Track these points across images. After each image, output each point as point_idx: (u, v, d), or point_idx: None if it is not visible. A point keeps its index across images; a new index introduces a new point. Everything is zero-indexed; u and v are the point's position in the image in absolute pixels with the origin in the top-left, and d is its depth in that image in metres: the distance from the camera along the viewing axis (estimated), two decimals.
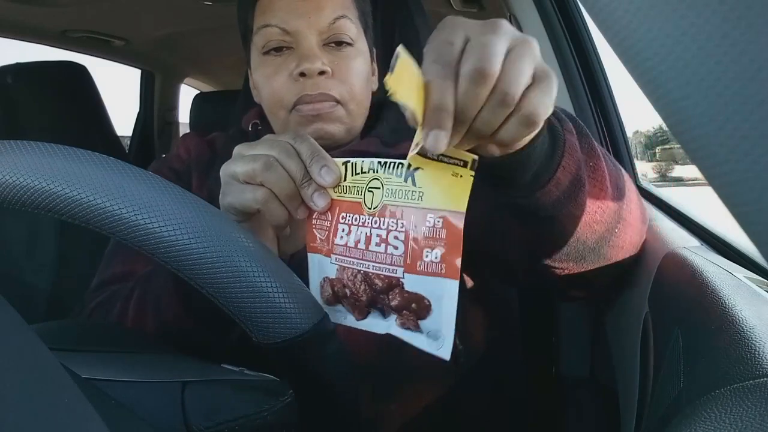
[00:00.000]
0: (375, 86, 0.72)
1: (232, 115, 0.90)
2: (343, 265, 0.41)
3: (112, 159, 0.34)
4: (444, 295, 0.37)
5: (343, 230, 0.41)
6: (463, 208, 0.36)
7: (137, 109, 1.99)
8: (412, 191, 0.38)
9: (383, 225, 0.39)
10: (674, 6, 0.16)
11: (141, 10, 1.41)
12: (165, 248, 0.33)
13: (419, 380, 0.62)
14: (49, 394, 0.24)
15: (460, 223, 0.36)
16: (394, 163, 0.39)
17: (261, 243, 0.36)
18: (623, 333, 0.57)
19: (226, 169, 0.44)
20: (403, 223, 0.38)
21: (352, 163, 0.41)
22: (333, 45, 0.63)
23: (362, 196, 0.40)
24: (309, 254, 0.44)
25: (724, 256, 0.53)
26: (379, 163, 0.40)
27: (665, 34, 0.16)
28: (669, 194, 0.79)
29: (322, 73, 0.61)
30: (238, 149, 0.45)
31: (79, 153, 0.33)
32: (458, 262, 0.36)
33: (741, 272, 0.45)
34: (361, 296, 0.41)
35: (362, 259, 0.40)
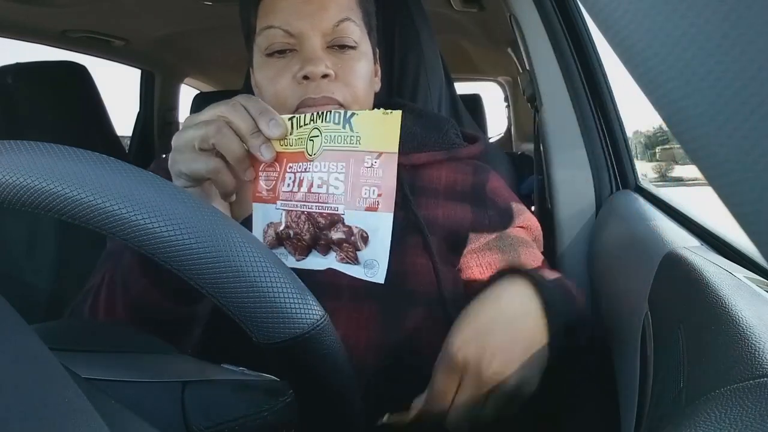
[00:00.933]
0: (377, 87, 0.71)
1: None
2: (288, 209, 0.46)
3: (112, 159, 0.34)
4: (380, 227, 0.43)
5: (289, 179, 0.46)
6: (396, 148, 0.42)
7: (137, 109, 1.99)
8: (350, 136, 0.43)
9: (324, 168, 0.44)
10: (674, 6, 0.16)
11: (141, 10, 1.41)
12: (165, 248, 0.33)
13: (416, 387, 0.62)
14: (50, 394, 0.24)
15: (393, 162, 0.42)
16: (331, 111, 0.43)
17: (261, 243, 0.36)
18: (623, 333, 0.57)
19: (178, 138, 0.48)
20: (343, 165, 0.43)
21: (297, 118, 0.45)
22: (336, 48, 0.63)
23: (304, 146, 0.45)
24: (254, 204, 0.48)
25: (724, 256, 0.53)
26: (318, 113, 0.44)
27: (665, 34, 0.16)
28: (669, 194, 0.79)
29: (325, 76, 0.60)
30: (187, 120, 0.49)
31: (79, 153, 0.33)
32: (392, 197, 0.42)
33: (741, 272, 0.45)
34: (304, 235, 0.45)
35: (305, 201, 0.45)
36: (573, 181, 0.89)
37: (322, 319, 0.37)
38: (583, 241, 0.88)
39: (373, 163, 0.42)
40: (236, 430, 0.36)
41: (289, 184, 0.45)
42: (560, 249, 0.90)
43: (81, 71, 1.37)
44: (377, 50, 0.72)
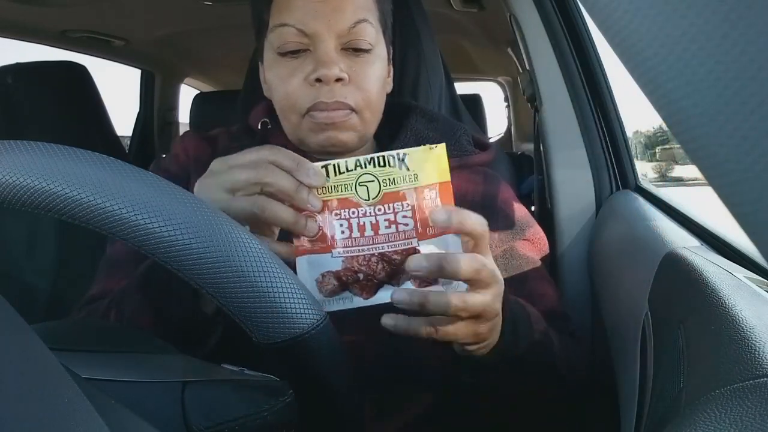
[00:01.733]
0: (389, 88, 0.70)
1: (233, 115, 0.90)
2: (351, 255, 0.46)
3: (112, 159, 0.34)
4: (450, 246, 0.45)
5: (342, 225, 0.46)
6: (449, 177, 0.46)
7: (137, 109, 1.99)
8: (408, 175, 0.45)
9: (389, 210, 0.45)
10: (674, 6, 0.16)
11: (141, 10, 1.41)
12: (165, 248, 0.33)
13: (421, 395, 0.61)
14: (49, 394, 0.24)
15: (449, 189, 0.46)
16: (383, 156, 0.45)
17: (261, 243, 0.36)
18: (623, 333, 0.57)
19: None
20: (408, 204, 0.45)
21: (334, 165, 0.45)
22: (351, 50, 0.61)
23: (354, 192, 0.46)
24: (297, 258, 0.46)
25: (724, 256, 0.53)
26: (366, 160, 0.45)
27: (665, 34, 0.16)
28: (669, 194, 0.79)
29: (338, 80, 0.59)
30: (208, 182, 0.47)
31: (79, 153, 0.33)
32: None
33: (741, 272, 0.45)
34: (379, 274, 0.46)
35: (373, 244, 0.46)
36: (573, 181, 0.89)
37: (322, 320, 0.37)
38: (583, 241, 0.88)
39: (432, 195, 0.45)
40: (236, 430, 0.36)
41: (344, 231, 0.46)
42: (560, 249, 0.90)
43: (81, 71, 1.37)
44: (391, 49, 0.71)
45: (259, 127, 0.71)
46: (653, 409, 0.40)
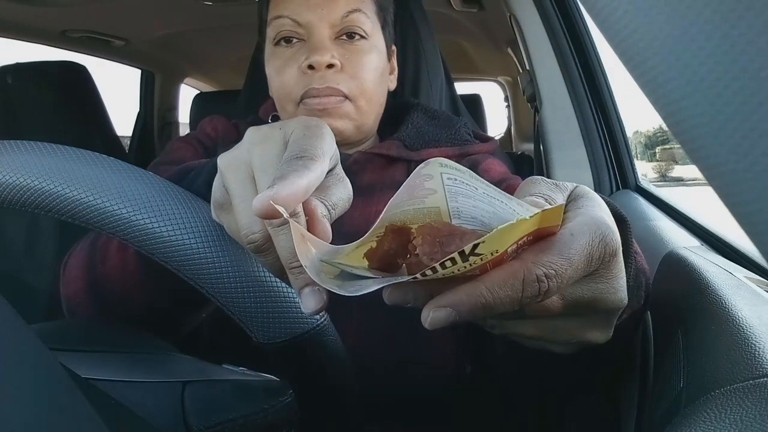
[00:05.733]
0: (393, 85, 0.71)
1: (234, 114, 0.90)
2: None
3: (112, 159, 0.34)
4: None
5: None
6: (559, 222, 0.28)
7: (137, 109, 1.99)
8: (480, 257, 0.26)
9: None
10: (674, 6, 0.16)
11: (141, 10, 1.41)
12: (165, 248, 0.33)
13: (424, 401, 0.60)
14: (49, 394, 0.24)
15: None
16: (441, 264, 0.25)
17: None
18: None
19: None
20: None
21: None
22: (345, 38, 0.62)
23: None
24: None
25: (724, 256, 0.53)
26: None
27: (665, 34, 0.16)
28: (669, 194, 0.79)
29: (331, 66, 0.60)
30: None
31: (79, 153, 0.33)
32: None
33: (741, 272, 0.45)
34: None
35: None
36: (573, 181, 0.89)
37: (322, 319, 0.37)
38: None
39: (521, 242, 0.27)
40: (236, 430, 0.36)
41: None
42: None
43: (81, 71, 1.37)
44: (394, 48, 0.70)
45: (270, 121, 0.72)
46: (653, 409, 0.40)
